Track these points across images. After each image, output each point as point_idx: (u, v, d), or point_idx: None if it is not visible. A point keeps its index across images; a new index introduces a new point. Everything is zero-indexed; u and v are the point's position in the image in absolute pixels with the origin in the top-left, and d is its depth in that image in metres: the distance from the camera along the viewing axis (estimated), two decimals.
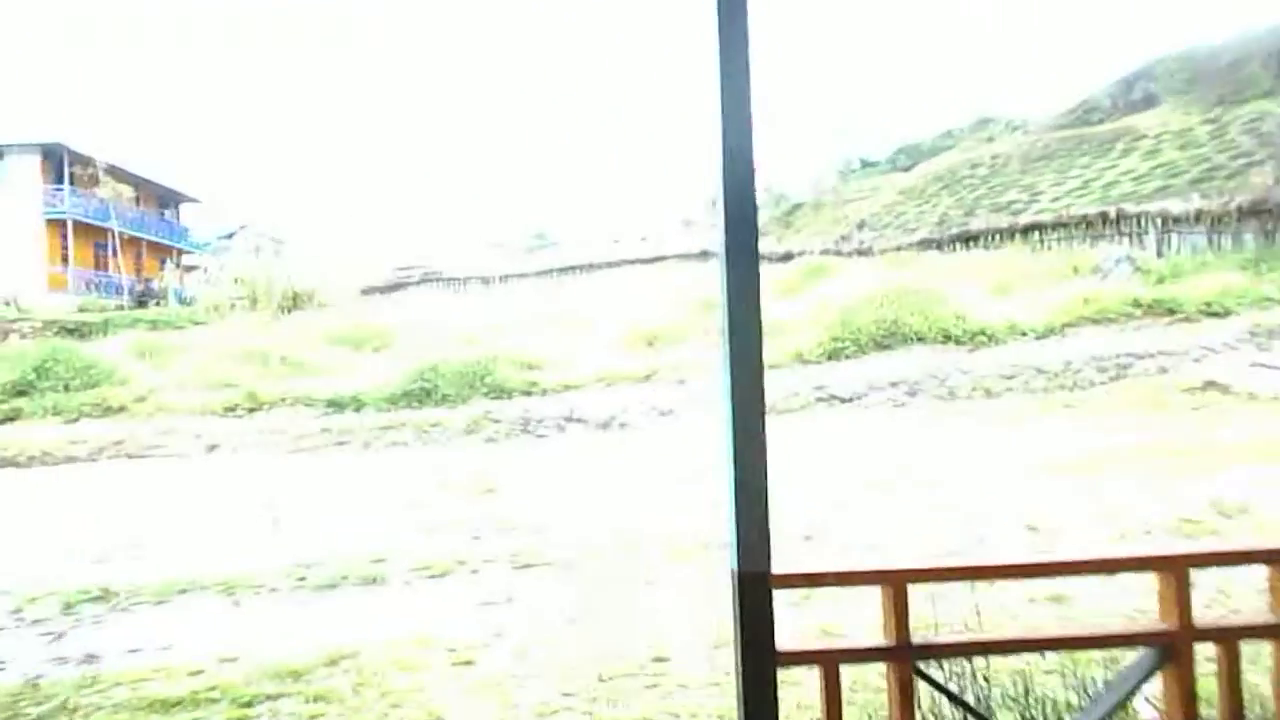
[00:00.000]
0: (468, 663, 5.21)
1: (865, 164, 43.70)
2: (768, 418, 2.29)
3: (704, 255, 33.30)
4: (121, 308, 33.74)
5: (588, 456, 11.97)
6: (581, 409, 14.35)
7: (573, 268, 43.62)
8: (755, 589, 2.30)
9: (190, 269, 42.98)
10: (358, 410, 15.95)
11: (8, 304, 30.76)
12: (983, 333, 16.50)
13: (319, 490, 10.66)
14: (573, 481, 10.47)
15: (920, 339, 16.28)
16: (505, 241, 72.89)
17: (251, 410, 16.35)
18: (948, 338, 16.41)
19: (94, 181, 36.86)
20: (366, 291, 36.72)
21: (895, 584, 2.48)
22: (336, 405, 16.31)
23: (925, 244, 26.25)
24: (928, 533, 7.27)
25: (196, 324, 27.81)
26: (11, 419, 16.08)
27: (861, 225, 32.81)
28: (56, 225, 36.58)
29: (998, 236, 25.04)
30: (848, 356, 16.03)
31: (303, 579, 7.03)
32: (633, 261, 40.37)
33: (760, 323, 2.28)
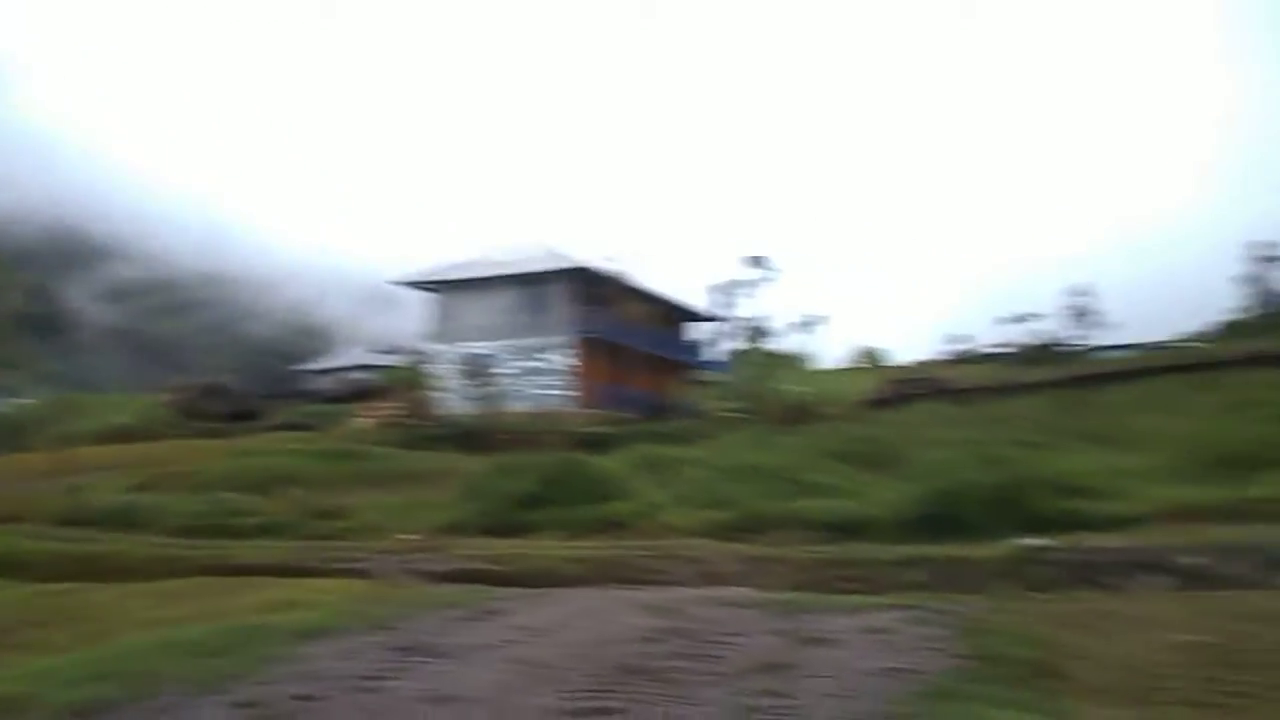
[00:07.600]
0: None
1: None
2: None
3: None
4: (637, 421, 35.39)
5: (1184, 625, 8.56)
6: (1164, 555, 10.83)
7: (1097, 376, 39.04)
8: None
9: (701, 384, 44.70)
10: (866, 539, 13.86)
11: (538, 416, 33.58)
12: None
13: (815, 648, 8.53)
14: (1172, 666, 7.24)
15: None
16: (1011, 351, 67.45)
17: (750, 531, 15.02)
18: None
19: (615, 301, 39.85)
20: (872, 404, 35.22)
21: None
22: (842, 531, 14.37)
23: None
24: None
25: (703, 438, 27.92)
26: (523, 531, 16.27)
27: None
28: (584, 343, 39.90)
29: None
30: None
31: None
32: (1174, 368, 35.02)
33: None
